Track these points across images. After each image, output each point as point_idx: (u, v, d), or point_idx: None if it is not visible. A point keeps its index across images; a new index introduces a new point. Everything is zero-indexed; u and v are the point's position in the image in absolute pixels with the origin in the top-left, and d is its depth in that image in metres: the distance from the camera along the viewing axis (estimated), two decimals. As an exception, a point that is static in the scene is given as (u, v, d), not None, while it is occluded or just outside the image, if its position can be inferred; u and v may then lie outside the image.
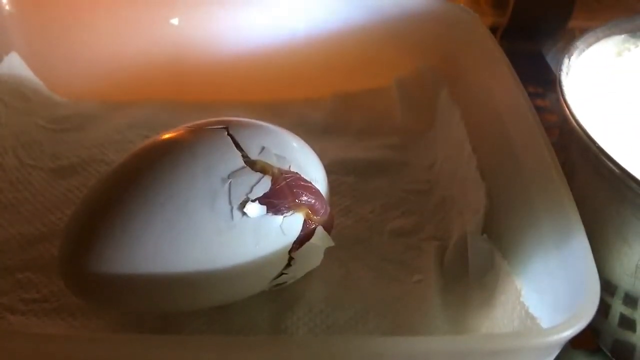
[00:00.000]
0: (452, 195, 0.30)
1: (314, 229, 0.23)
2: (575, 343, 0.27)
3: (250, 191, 0.22)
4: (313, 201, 0.23)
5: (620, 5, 0.46)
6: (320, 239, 0.24)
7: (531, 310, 0.22)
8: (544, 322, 0.21)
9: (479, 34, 0.33)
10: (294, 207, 0.23)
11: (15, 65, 0.35)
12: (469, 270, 0.26)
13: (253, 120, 0.25)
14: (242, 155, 0.23)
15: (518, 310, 0.23)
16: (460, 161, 0.30)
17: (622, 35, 0.29)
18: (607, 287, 0.24)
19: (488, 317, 0.24)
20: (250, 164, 0.23)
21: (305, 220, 0.23)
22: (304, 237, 0.23)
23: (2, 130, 0.33)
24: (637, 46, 0.29)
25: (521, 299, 0.23)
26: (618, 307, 0.24)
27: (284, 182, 0.23)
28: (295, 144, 0.25)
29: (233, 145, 0.23)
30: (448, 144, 0.32)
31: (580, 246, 0.21)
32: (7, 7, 0.34)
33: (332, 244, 0.24)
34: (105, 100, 0.35)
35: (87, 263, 0.22)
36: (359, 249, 0.28)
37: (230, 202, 0.22)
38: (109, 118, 0.35)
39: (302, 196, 0.23)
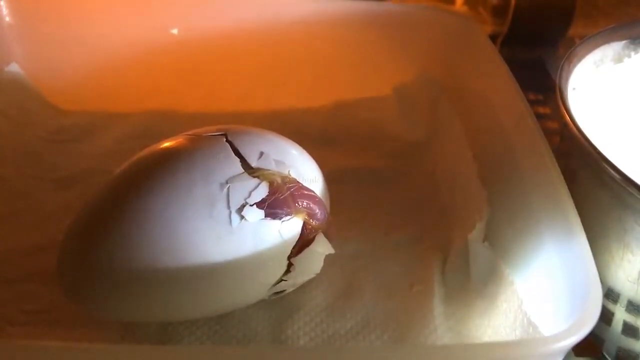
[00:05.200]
0: (453, 203, 0.29)
1: (314, 235, 0.23)
2: (578, 351, 0.26)
3: (249, 196, 0.22)
4: (312, 206, 0.23)
5: (619, 12, 0.46)
6: (320, 245, 0.24)
7: (533, 318, 0.22)
8: (546, 330, 0.21)
9: (478, 42, 0.33)
10: (293, 212, 0.23)
11: (16, 76, 0.35)
12: (470, 278, 0.26)
13: (251, 128, 0.25)
14: (241, 161, 0.23)
15: (520, 318, 0.23)
16: (461, 169, 0.30)
17: (622, 42, 0.29)
18: (610, 295, 0.24)
19: (490, 326, 0.24)
20: (251, 171, 0.23)
21: (304, 226, 0.23)
22: (303, 242, 0.23)
23: (2, 141, 0.33)
24: (637, 52, 0.29)
25: (523, 307, 0.23)
26: (621, 315, 0.24)
27: (287, 192, 0.23)
28: (294, 151, 0.25)
29: (232, 151, 0.23)
30: (448, 151, 0.32)
31: (582, 253, 0.21)
32: (7, 19, 0.34)
33: (332, 251, 0.24)
34: (105, 110, 0.35)
35: (85, 270, 0.22)
36: (360, 259, 0.28)
37: (228, 207, 0.22)
38: (109, 128, 0.35)
39: (303, 203, 0.23)
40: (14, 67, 0.35)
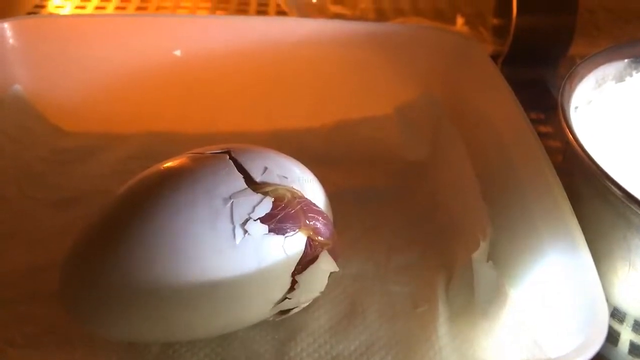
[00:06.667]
0: (456, 222, 0.29)
1: (318, 252, 0.23)
2: (584, 372, 0.26)
3: (253, 211, 0.22)
4: (319, 222, 0.23)
5: (620, 31, 0.46)
6: (324, 263, 0.23)
7: (539, 339, 0.22)
8: (552, 352, 0.21)
9: (480, 61, 0.33)
10: (301, 227, 0.23)
11: (18, 97, 0.35)
12: (475, 298, 0.25)
13: (253, 146, 0.25)
14: (245, 177, 0.23)
15: (525, 339, 0.23)
16: (464, 188, 0.30)
17: (623, 61, 0.30)
18: (616, 315, 0.24)
19: (495, 347, 0.24)
20: (256, 186, 0.23)
21: (308, 242, 0.23)
22: (308, 260, 0.23)
23: (5, 162, 0.33)
24: (638, 71, 0.29)
25: (528, 328, 0.23)
26: (627, 335, 0.24)
27: (298, 207, 0.23)
28: (296, 167, 0.25)
29: (235, 167, 0.23)
30: (450, 170, 0.32)
31: (587, 273, 0.21)
32: (10, 41, 0.35)
33: (336, 269, 0.24)
34: (107, 131, 0.35)
35: (88, 290, 0.22)
36: (363, 279, 0.27)
37: (232, 222, 0.22)
38: (111, 149, 0.35)
39: (312, 219, 0.23)
40: (17, 89, 0.35)
